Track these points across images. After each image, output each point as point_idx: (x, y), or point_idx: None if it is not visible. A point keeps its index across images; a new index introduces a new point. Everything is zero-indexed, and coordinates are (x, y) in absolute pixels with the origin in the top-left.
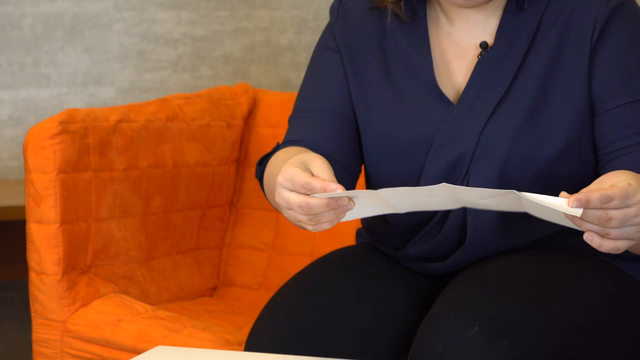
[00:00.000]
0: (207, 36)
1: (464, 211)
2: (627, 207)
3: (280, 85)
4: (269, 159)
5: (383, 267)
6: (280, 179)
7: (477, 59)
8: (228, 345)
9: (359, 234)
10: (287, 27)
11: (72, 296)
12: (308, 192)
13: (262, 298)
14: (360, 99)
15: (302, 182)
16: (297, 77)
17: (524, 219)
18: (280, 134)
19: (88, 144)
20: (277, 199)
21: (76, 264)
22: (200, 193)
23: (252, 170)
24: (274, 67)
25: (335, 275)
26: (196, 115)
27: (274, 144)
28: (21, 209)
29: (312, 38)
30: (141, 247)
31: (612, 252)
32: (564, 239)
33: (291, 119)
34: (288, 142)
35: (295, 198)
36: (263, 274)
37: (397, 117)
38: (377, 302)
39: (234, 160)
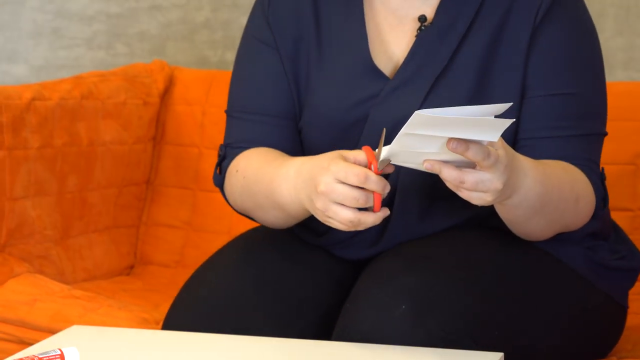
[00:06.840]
0: (122, 13)
1: (390, 196)
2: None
3: (196, 62)
4: (228, 164)
5: (303, 250)
6: (326, 178)
7: (416, 33)
8: (145, 323)
9: None
10: (203, 4)
11: None
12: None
13: (180, 276)
14: (297, 84)
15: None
16: (214, 54)
17: (447, 199)
18: (198, 112)
19: (1, 122)
20: (323, 187)
21: None
22: (116, 171)
23: (169, 147)
24: (190, 44)
25: (256, 257)
26: (111, 93)
27: (191, 122)
28: None
29: (228, 15)
30: (56, 226)
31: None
32: (483, 220)
33: (233, 117)
34: (243, 143)
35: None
36: (180, 252)
37: (332, 95)
38: (299, 285)
39: (150, 138)
